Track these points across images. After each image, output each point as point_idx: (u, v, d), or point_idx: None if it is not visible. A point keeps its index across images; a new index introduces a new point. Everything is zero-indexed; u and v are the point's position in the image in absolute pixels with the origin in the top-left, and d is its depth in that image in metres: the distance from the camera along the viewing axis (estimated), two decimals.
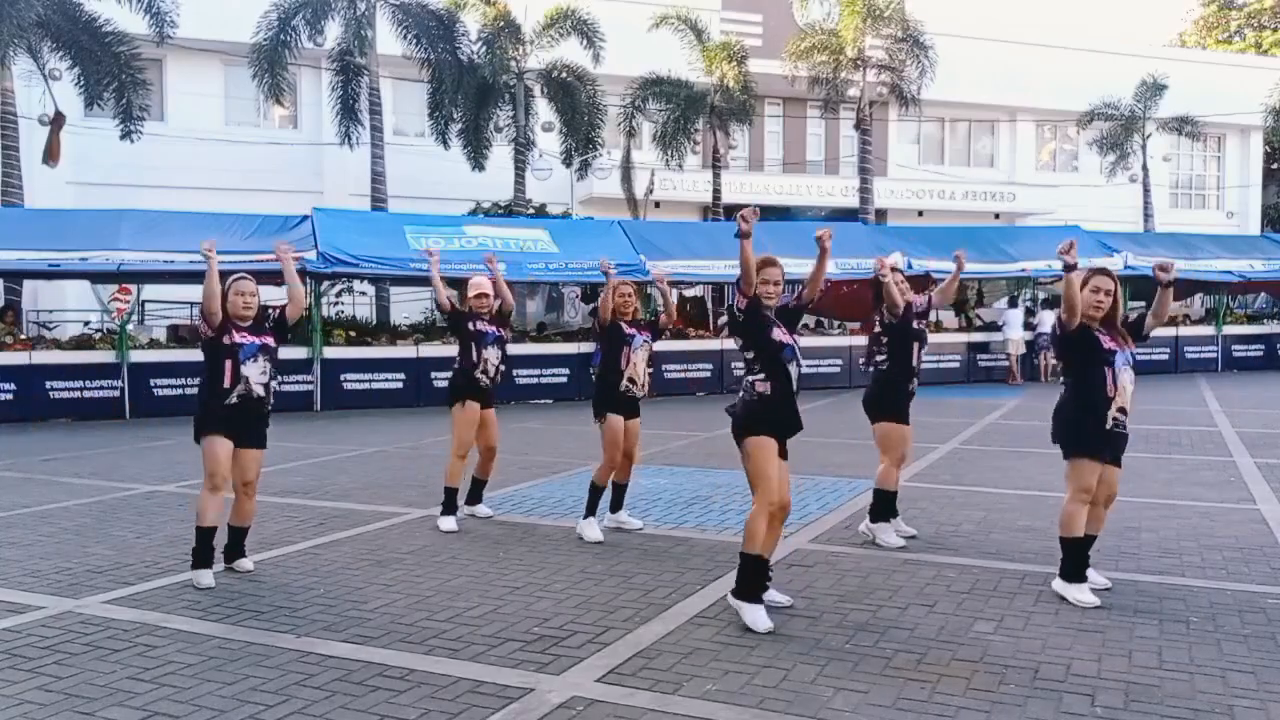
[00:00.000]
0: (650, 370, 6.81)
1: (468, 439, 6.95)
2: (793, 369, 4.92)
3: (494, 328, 7.02)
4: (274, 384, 5.74)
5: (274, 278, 16.64)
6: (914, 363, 6.39)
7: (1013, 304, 20.80)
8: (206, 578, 5.50)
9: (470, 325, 6.98)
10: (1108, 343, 5.02)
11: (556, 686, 3.96)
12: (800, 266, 18.53)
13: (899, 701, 3.79)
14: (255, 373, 5.59)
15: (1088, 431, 5.02)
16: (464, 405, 6.92)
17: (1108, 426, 4.98)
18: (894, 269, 6.63)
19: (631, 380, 6.57)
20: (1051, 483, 8.00)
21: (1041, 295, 22.46)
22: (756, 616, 4.63)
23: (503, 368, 7.08)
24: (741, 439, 4.87)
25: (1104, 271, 5.14)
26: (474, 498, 7.27)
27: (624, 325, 6.61)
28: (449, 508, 6.95)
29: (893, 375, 6.34)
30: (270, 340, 5.71)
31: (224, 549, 5.81)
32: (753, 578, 4.73)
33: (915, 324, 6.47)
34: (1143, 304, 24.17)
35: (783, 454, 4.89)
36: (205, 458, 5.55)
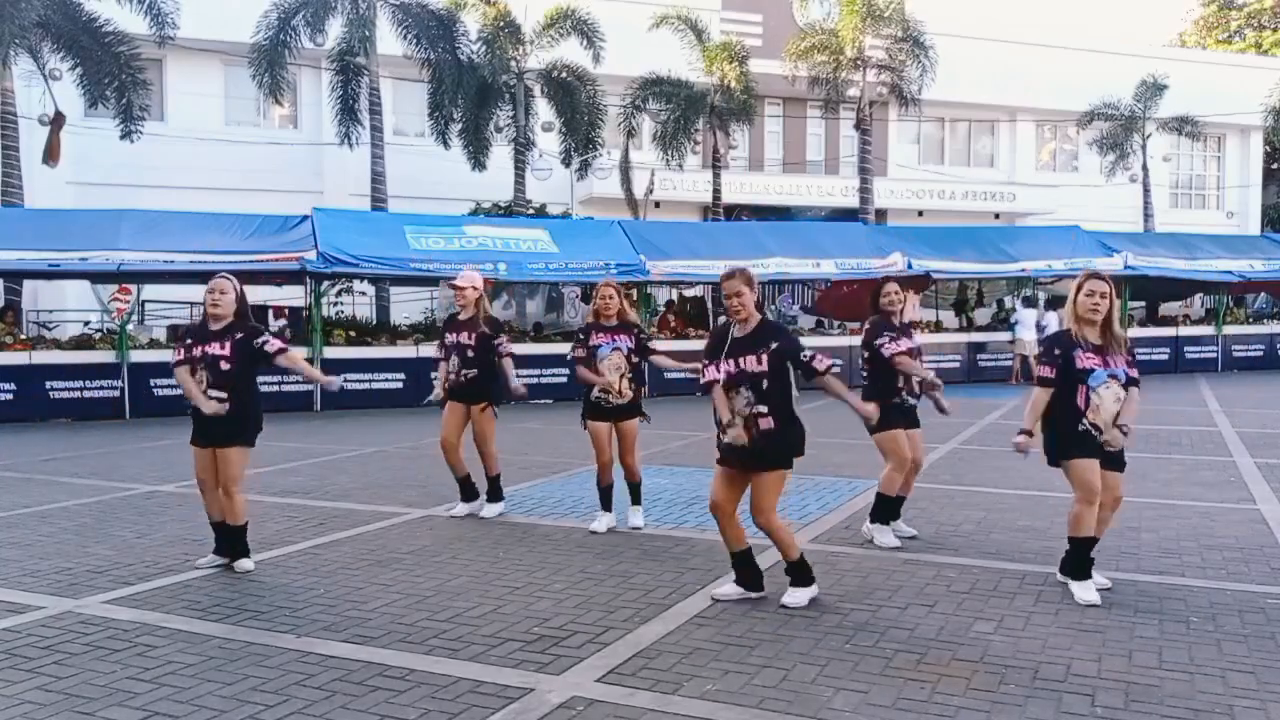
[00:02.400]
0: (629, 375, 6.58)
1: (442, 435, 7.19)
2: (722, 404, 4.86)
3: (456, 335, 7.13)
4: (219, 391, 5.64)
5: (273, 278, 16.80)
6: (898, 383, 6.25)
7: (1027, 304, 20.78)
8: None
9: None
10: (1086, 361, 4.99)
11: (556, 686, 3.96)
12: (800, 266, 18.65)
13: (899, 701, 3.79)
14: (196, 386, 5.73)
15: (1065, 438, 5.04)
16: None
17: (1079, 431, 5.01)
18: (889, 278, 6.59)
19: (604, 392, 6.55)
20: (1051, 483, 7.98)
21: (1042, 296, 22.47)
22: (724, 588, 5.14)
23: (467, 372, 7.09)
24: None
25: (1097, 275, 5.15)
26: (492, 493, 7.32)
27: (594, 334, 6.59)
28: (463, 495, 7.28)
29: (873, 394, 6.25)
30: (214, 349, 5.66)
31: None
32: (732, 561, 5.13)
33: (906, 345, 6.38)
34: (1143, 304, 24.03)
35: (745, 469, 4.92)
36: None
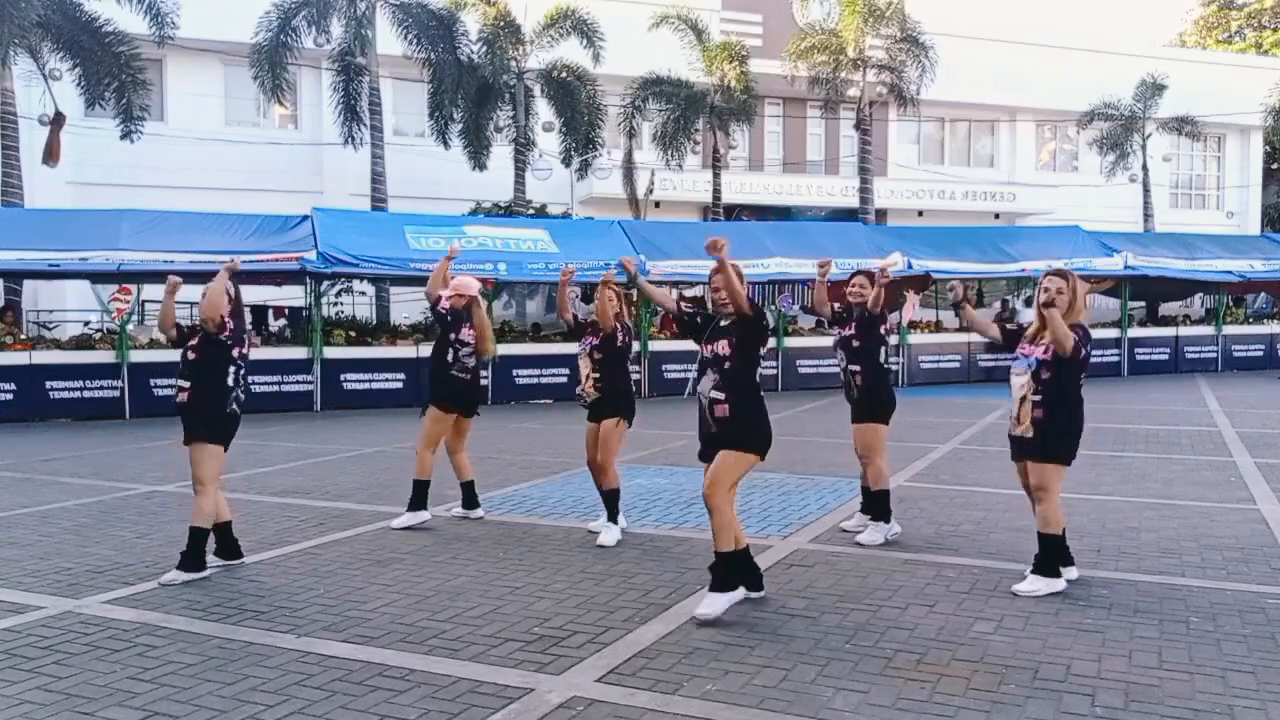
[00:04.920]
0: (594, 374, 6.54)
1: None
2: (703, 382, 4.98)
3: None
4: (184, 381, 5.71)
5: (273, 278, 16.79)
6: (840, 370, 6.55)
7: (1030, 304, 20.74)
8: (175, 576, 5.63)
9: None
10: (1019, 350, 5.26)
11: (556, 686, 3.96)
12: (801, 266, 18.66)
13: (899, 701, 3.79)
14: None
15: None
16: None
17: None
18: (859, 271, 6.62)
19: (581, 393, 6.65)
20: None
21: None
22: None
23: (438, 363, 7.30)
24: None
25: (1057, 272, 5.25)
26: (467, 500, 7.30)
27: (585, 333, 6.69)
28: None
29: None
30: (192, 343, 5.74)
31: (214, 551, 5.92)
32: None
33: (838, 333, 6.51)
34: (1143, 304, 23.94)
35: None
36: None
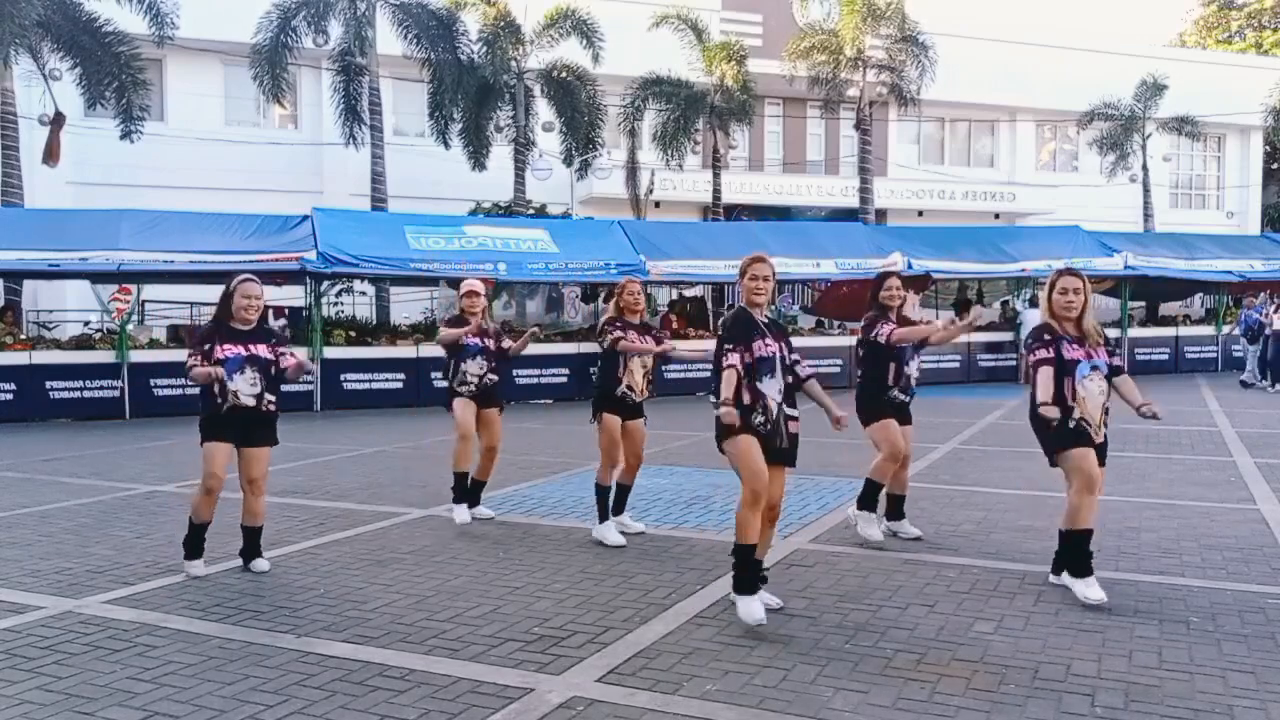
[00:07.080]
0: (650, 377, 6.62)
1: (465, 421, 7.01)
2: (765, 386, 4.72)
3: (478, 339, 7.05)
4: (268, 393, 5.68)
5: (274, 278, 16.80)
6: (889, 380, 6.25)
7: (1033, 304, 20.77)
8: (197, 568, 5.68)
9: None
10: (1071, 352, 5.05)
11: (556, 686, 3.96)
12: (799, 266, 18.67)
13: (899, 701, 3.79)
14: (244, 385, 5.61)
15: (1060, 432, 5.02)
16: (457, 401, 7.10)
17: (1071, 426, 5.03)
18: (891, 273, 6.56)
19: (630, 388, 6.51)
20: (1052, 483, 7.96)
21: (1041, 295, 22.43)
22: (750, 608, 4.60)
23: (491, 376, 7.10)
24: (721, 447, 4.87)
25: (1070, 271, 5.21)
26: (473, 499, 7.26)
27: (626, 329, 6.52)
28: (458, 496, 7.05)
29: (867, 387, 6.32)
30: (262, 350, 5.66)
31: (240, 551, 5.87)
32: (745, 569, 4.70)
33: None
34: (1143, 304, 23.88)
35: (778, 461, 4.82)
36: (203, 460, 5.64)
